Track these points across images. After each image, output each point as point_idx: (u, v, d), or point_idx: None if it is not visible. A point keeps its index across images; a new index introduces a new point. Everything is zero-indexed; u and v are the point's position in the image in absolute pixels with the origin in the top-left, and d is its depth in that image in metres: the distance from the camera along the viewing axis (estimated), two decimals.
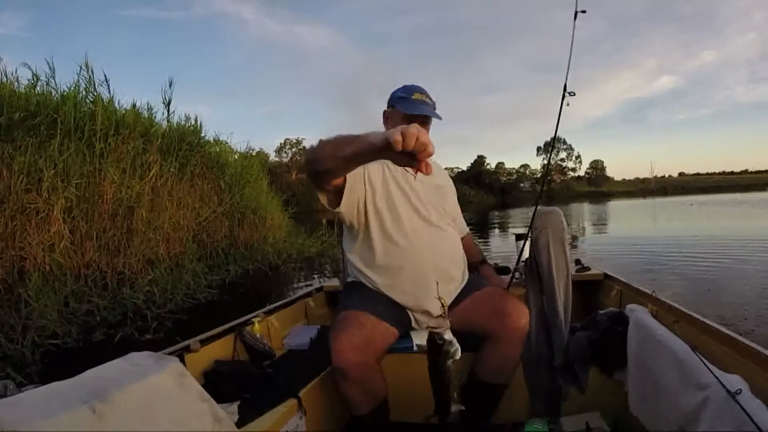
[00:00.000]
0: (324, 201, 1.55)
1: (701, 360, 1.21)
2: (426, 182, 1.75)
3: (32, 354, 3.74)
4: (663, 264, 7.12)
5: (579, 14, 2.05)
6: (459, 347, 1.17)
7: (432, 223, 1.71)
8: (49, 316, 4.16)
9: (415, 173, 1.55)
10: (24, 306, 4.20)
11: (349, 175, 1.47)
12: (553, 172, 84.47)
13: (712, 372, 1.14)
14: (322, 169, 1.30)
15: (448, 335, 1.16)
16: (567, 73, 2.07)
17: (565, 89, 2.06)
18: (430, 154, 0.97)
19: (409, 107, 1.69)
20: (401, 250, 1.66)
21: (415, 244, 1.66)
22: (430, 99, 1.75)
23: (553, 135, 2.15)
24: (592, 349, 1.76)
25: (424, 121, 1.69)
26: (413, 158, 0.97)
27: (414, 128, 0.94)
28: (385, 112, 1.81)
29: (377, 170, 1.70)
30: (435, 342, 1.16)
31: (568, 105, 2.09)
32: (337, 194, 1.52)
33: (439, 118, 1.73)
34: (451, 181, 2.00)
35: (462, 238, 1.94)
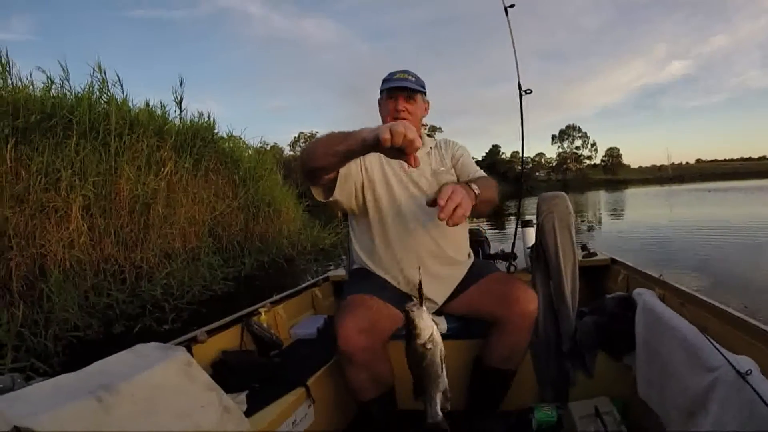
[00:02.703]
0: (318, 195, 1.56)
1: (710, 342, 1.20)
2: (421, 167, 1.74)
3: (54, 346, 3.85)
4: (677, 251, 7.08)
5: (509, 9, 2.13)
6: (435, 329, 1.04)
7: (427, 209, 1.69)
8: (70, 309, 4.26)
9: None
10: (46, 301, 4.30)
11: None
12: (568, 161, 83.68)
13: (721, 353, 1.13)
14: (316, 166, 1.35)
15: (418, 317, 1.02)
16: (517, 71, 2.18)
17: (520, 88, 2.10)
18: (417, 149, 1.06)
19: (387, 84, 1.72)
20: (400, 236, 1.68)
21: (414, 229, 1.68)
22: (414, 77, 1.75)
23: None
24: (600, 334, 1.76)
25: (409, 96, 1.71)
26: (402, 152, 1.06)
27: (401, 126, 1.03)
28: (378, 100, 1.82)
29: (374, 157, 1.73)
30: (408, 319, 1.03)
31: (527, 93, 2.13)
32: (331, 186, 1.53)
33: (420, 91, 1.74)
34: (458, 152, 1.86)
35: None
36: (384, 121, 1.74)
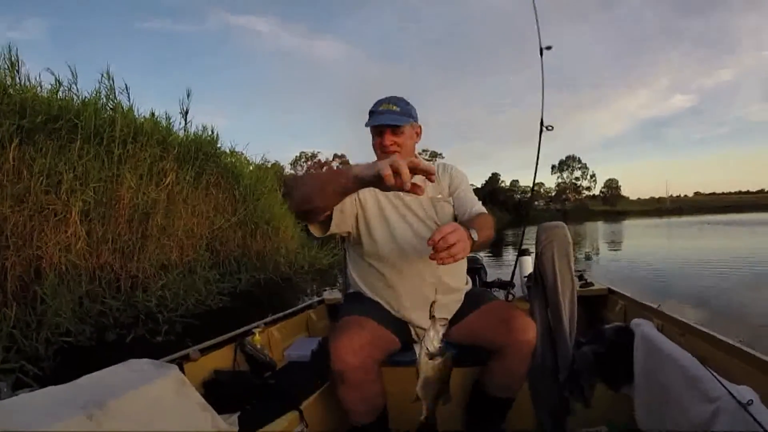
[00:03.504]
0: (315, 231, 1.57)
1: (710, 372, 1.20)
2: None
3: (45, 350, 3.82)
4: (674, 282, 7.11)
5: (545, 50, 2.11)
6: (441, 350, 1.10)
7: (424, 237, 1.63)
8: (63, 314, 4.23)
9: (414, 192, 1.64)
10: (40, 303, 4.28)
11: None
12: (567, 191, 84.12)
13: (721, 384, 1.13)
14: (310, 208, 1.37)
15: (432, 333, 1.10)
16: (542, 107, 2.13)
17: (542, 124, 2.10)
18: (431, 174, 1.10)
19: (369, 120, 1.66)
20: (396, 265, 1.66)
21: (410, 259, 1.65)
22: (401, 105, 1.67)
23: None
24: (598, 363, 1.75)
25: (394, 129, 1.65)
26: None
27: (403, 166, 1.04)
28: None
29: (363, 191, 1.69)
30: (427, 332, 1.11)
31: (548, 129, 2.13)
32: (327, 222, 1.54)
33: (400, 125, 1.64)
34: (456, 180, 1.82)
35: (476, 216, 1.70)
36: (375, 153, 1.71)
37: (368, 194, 1.72)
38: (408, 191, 1.08)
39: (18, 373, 3.34)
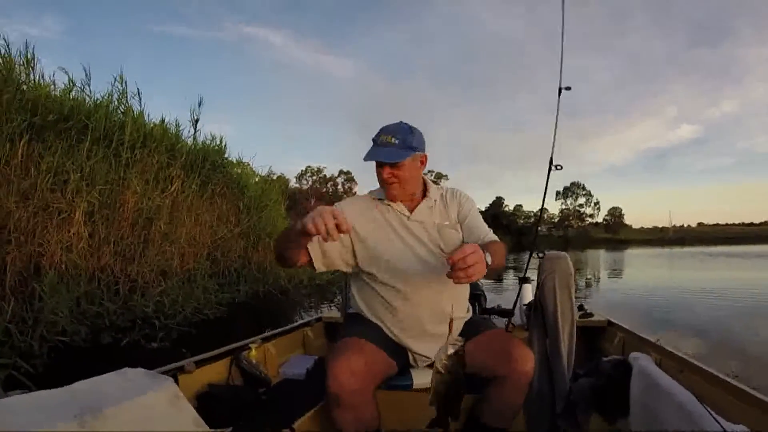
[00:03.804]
0: (310, 267, 1.65)
1: (707, 410, 1.19)
2: (423, 221, 1.72)
3: (40, 347, 3.80)
4: (674, 313, 7.07)
5: (563, 90, 2.10)
6: (453, 370, 1.17)
7: (429, 263, 1.67)
8: (60, 313, 4.22)
9: (409, 214, 1.69)
10: (38, 300, 4.27)
11: (310, 246, 1.58)
12: (571, 218, 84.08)
13: (718, 422, 1.12)
14: (285, 258, 1.55)
15: (444, 355, 1.18)
16: (553, 147, 2.12)
17: (551, 162, 2.11)
18: (346, 232, 1.26)
19: (368, 154, 1.65)
20: (400, 291, 1.66)
21: (414, 285, 1.65)
22: (400, 137, 1.63)
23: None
24: (595, 396, 1.75)
25: (392, 164, 1.63)
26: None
27: (321, 216, 1.22)
28: None
29: (364, 219, 1.71)
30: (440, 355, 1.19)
31: (557, 168, 2.13)
32: (311, 263, 1.63)
33: (396, 161, 1.62)
34: (465, 207, 1.81)
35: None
36: (378, 180, 1.71)
37: (372, 223, 1.73)
38: (325, 240, 1.24)
39: (11, 370, 3.33)
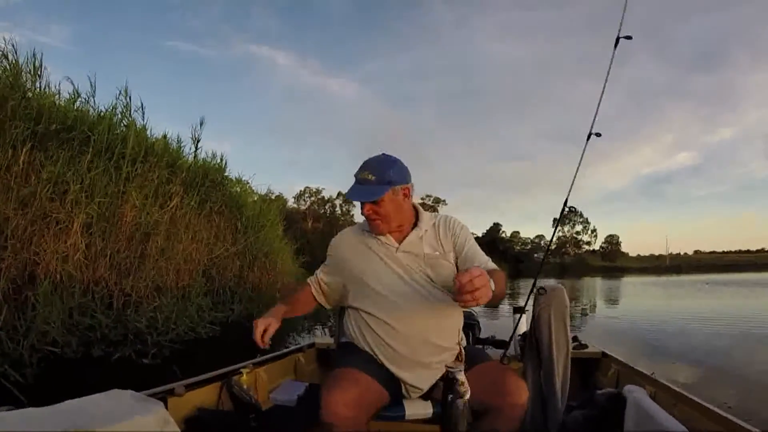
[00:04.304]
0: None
1: None
2: (411, 251, 1.72)
3: (30, 356, 3.78)
4: (670, 341, 7.04)
5: (593, 136, 2.09)
6: (469, 390, 1.23)
7: (418, 294, 1.67)
8: (52, 323, 4.20)
9: (397, 245, 1.72)
10: (30, 309, 4.25)
11: (314, 293, 1.90)
12: (567, 245, 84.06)
13: None
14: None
15: (462, 376, 1.22)
16: (570, 190, 2.15)
17: (565, 204, 2.12)
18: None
19: (347, 193, 1.69)
20: (386, 325, 1.66)
21: (401, 319, 1.65)
22: (378, 172, 1.64)
23: (562, 212, 2.18)
24: (589, 429, 1.74)
25: (373, 201, 1.64)
26: None
27: (256, 332, 1.63)
28: None
29: (352, 253, 1.79)
30: (449, 379, 1.22)
31: (571, 210, 2.14)
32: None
33: (372, 199, 1.63)
34: (461, 237, 1.79)
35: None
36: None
37: (360, 256, 1.75)
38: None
39: (0, 378, 3.30)
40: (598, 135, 2.07)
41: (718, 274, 47.14)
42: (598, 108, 2.08)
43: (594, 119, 2.07)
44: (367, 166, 1.67)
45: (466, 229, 1.82)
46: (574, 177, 2.12)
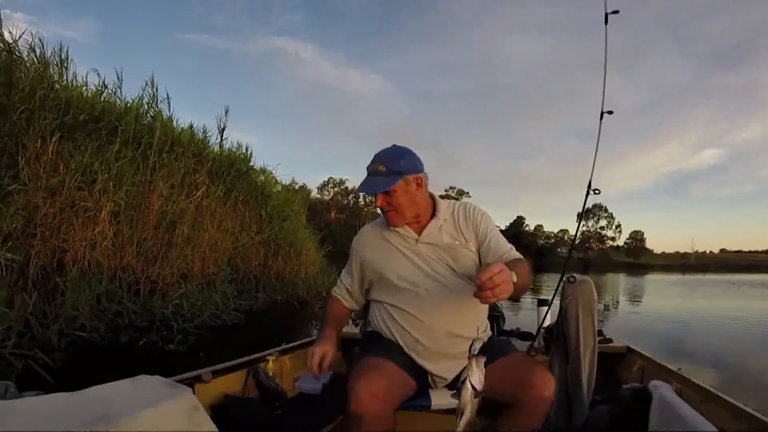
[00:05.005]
0: None
1: None
2: (433, 243, 1.70)
3: (58, 341, 3.88)
4: (696, 341, 6.93)
5: (605, 114, 2.10)
6: (480, 378, 1.21)
7: (440, 285, 1.65)
8: (80, 309, 4.31)
9: (417, 237, 1.70)
10: (59, 295, 4.35)
11: (341, 297, 1.87)
12: (591, 240, 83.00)
13: None
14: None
15: (475, 378, 1.19)
16: (592, 172, 2.12)
17: (589, 186, 2.08)
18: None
19: (359, 186, 1.68)
20: (410, 316, 1.65)
21: (423, 310, 1.64)
22: (388, 164, 1.63)
23: (584, 207, 2.14)
24: (613, 423, 1.71)
25: (386, 191, 1.64)
26: None
27: (313, 361, 1.67)
28: None
29: (372, 248, 1.78)
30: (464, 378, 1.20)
31: (595, 192, 2.11)
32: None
33: (382, 190, 1.63)
34: (482, 225, 1.75)
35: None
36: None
37: (379, 250, 1.75)
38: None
39: (29, 360, 3.39)
40: (610, 113, 2.10)
41: (745, 274, 46.10)
42: (604, 86, 2.12)
43: (602, 98, 2.11)
44: (378, 158, 1.66)
45: (487, 217, 1.79)
46: (595, 155, 2.14)
